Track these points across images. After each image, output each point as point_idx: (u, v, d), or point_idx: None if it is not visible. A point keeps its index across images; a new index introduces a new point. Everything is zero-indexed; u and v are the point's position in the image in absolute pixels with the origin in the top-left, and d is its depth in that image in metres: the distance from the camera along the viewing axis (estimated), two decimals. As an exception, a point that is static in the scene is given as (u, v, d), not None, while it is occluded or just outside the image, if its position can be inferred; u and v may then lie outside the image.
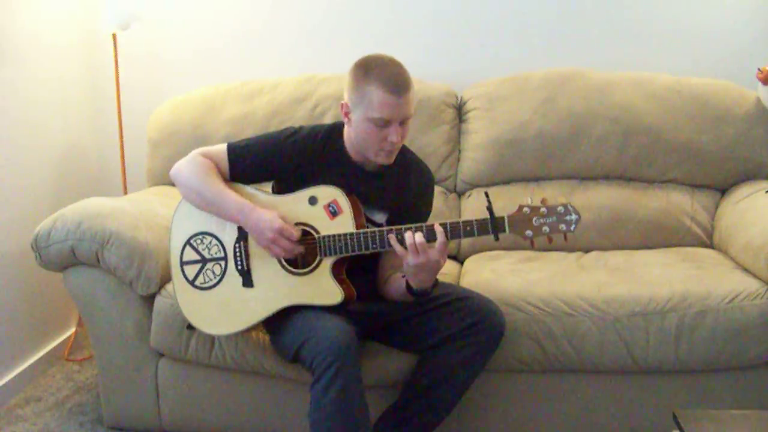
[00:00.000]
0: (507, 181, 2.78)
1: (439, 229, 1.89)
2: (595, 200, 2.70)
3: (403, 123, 1.96)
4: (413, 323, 2.11)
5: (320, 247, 2.00)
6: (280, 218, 1.98)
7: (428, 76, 2.86)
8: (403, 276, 2.00)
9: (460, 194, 2.83)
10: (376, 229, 1.96)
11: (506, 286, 2.27)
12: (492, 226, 1.89)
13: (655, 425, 2.22)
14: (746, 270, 2.34)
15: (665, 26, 2.95)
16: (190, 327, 2.13)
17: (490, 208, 1.89)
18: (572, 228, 1.87)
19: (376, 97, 1.91)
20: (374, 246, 1.96)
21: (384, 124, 1.93)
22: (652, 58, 2.96)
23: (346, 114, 2.00)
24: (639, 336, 2.16)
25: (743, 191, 2.64)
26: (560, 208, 1.88)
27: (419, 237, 1.88)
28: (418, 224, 1.93)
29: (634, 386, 2.23)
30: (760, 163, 2.69)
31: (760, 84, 2.62)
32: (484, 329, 2.05)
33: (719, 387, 2.22)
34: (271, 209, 2.01)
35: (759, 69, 2.59)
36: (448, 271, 2.46)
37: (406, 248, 1.89)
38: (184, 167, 2.08)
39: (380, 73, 1.92)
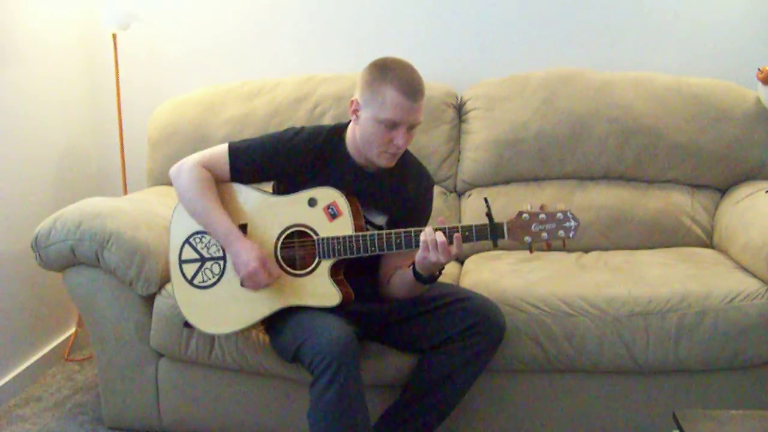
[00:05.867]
0: (507, 182, 2.78)
1: (458, 237, 1.88)
2: (595, 200, 2.70)
3: (410, 129, 1.96)
4: (413, 324, 2.11)
5: (319, 249, 2.00)
6: (258, 259, 1.97)
7: (428, 76, 2.82)
8: (410, 266, 1.99)
9: (460, 194, 2.83)
10: (375, 232, 1.96)
11: (506, 286, 2.27)
12: (491, 233, 1.89)
13: (655, 425, 2.22)
14: (746, 270, 2.34)
15: (665, 26, 2.95)
16: (188, 325, 2.13)
17: (489, 215, 1.90)
18: (571, 234, 1.87)
19: (390, 98, 1.91)
20: (373, 249, 1.96)
21: (392, 126, 1.93)
22: (652, 57, 2.95)
23: (355, 111, 1.99)
24: (639, 336, 2.16)
25: (743, 191, 2.63)
26: (559, 215, 1.88)
27: (440, 237, 1.87)
28: (417, 228, 1.92)
29: (634, 386, 2.23)
30: (760, 163, 2.69)
31: (760, 84, 2.62)
32: (485, 330, 2.05)
33: (719, 387, 2.22)
34: (254, 244, 2.00)
35: (759, 69, 2.59)
36: (448, 272, 2.45)
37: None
38: (184, 175, 2.06)
39: (398, 75, 1.92)
